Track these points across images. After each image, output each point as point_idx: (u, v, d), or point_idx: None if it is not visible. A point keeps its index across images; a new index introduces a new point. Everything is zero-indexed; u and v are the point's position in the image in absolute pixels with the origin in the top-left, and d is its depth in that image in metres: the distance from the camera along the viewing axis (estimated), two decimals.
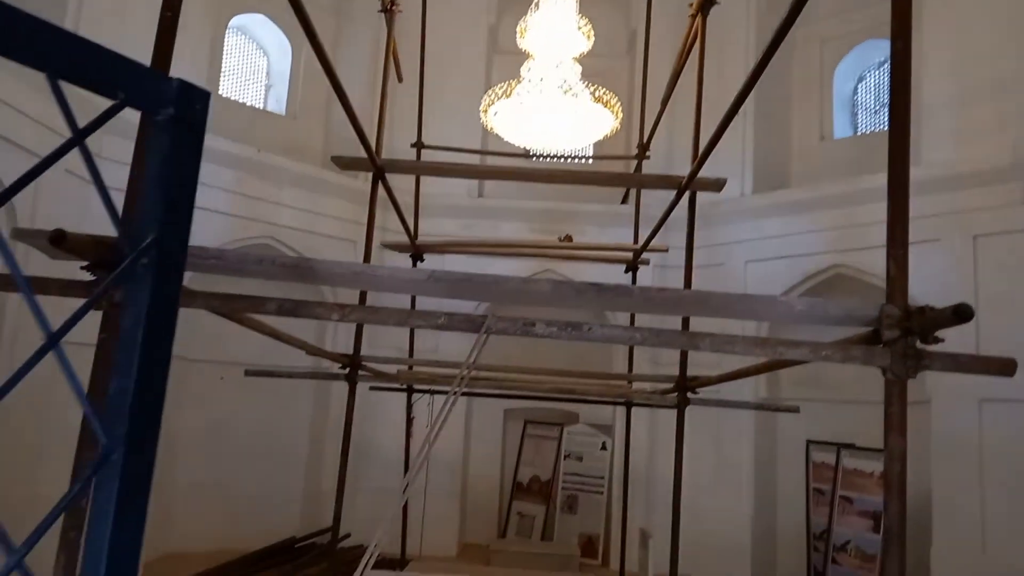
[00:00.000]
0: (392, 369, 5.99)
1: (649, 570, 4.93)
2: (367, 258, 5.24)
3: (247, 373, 5.33)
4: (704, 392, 5.19)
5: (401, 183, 6.88)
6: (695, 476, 7.88)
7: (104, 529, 0.52)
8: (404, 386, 7.91)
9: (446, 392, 8.09)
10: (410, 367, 6.66)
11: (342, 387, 5.30)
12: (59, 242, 1.88)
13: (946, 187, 6.64)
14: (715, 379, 4.32)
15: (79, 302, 0.70)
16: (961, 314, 1.73)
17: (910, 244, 1.95)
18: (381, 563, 6.78)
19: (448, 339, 8.51)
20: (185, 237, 0.61)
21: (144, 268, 0.58)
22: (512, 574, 5.81)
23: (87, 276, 2.03)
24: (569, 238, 7.13)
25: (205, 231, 6.94)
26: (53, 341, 0.50)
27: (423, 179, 7.93)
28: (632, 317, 8.42)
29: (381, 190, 5.19)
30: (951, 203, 6.63)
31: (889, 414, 1.88)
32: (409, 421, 8.93)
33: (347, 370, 5.04)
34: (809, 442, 8.42)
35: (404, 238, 7.18)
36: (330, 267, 2.20)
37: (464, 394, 7.89)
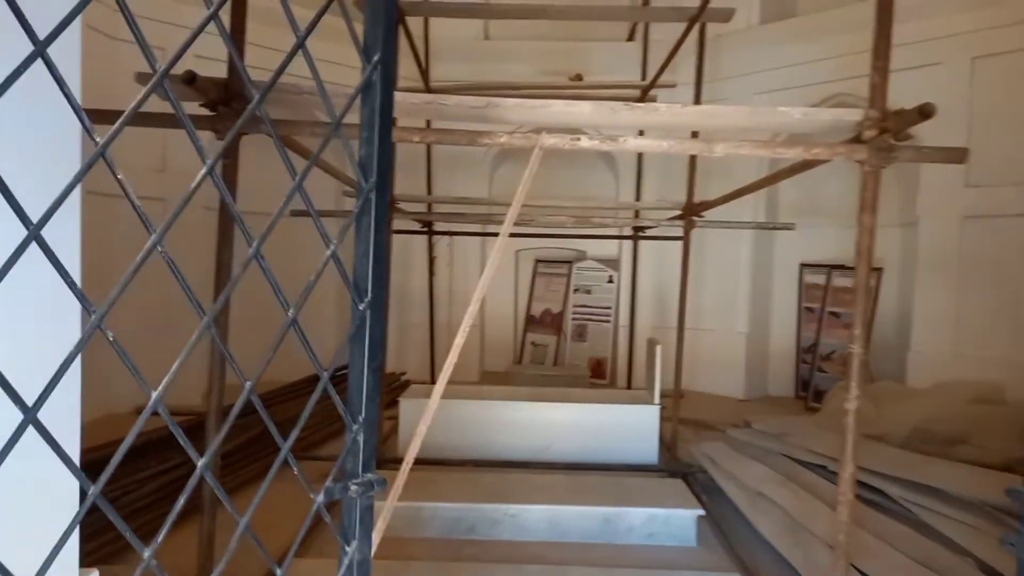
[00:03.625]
0: (422, 207, 6.45)
1: (656, 374, 5.68)
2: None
3: (293, 213, 5.80)
4: (709, 217, 5.70)
5: (411, 28, 6.98)
6: (696, 299, 8.61)
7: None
8: (425, 228, 8.44)
9: (466, 234, 8.60)
10: (429, 206, 7.09)
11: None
12: (191, 82, 2.29)
13: (946, 10, 6.78)
14: (719, 200, 4.80)
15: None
16: (925, 112, 2.16)
17: (915, 68, 2.34)
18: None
19: (460, 185, 8.94)
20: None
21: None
22: (529, 389, 6.62)
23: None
24: (579, 77, 7.34)
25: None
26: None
27: (430, 22, 7.96)
28: (640, 159, 8.79)
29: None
30: (951, 26, 6.79)
31: (864, 197, 2.37)
32: (431, 261, 9.56)
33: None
34: (802, 265, 9.11)
35: (415, 83, 7.39)
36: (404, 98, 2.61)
37: (487, 235, 8.44)
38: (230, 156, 2.48)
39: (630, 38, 8.83)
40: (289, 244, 4.67)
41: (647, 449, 5.65)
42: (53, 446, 0.53)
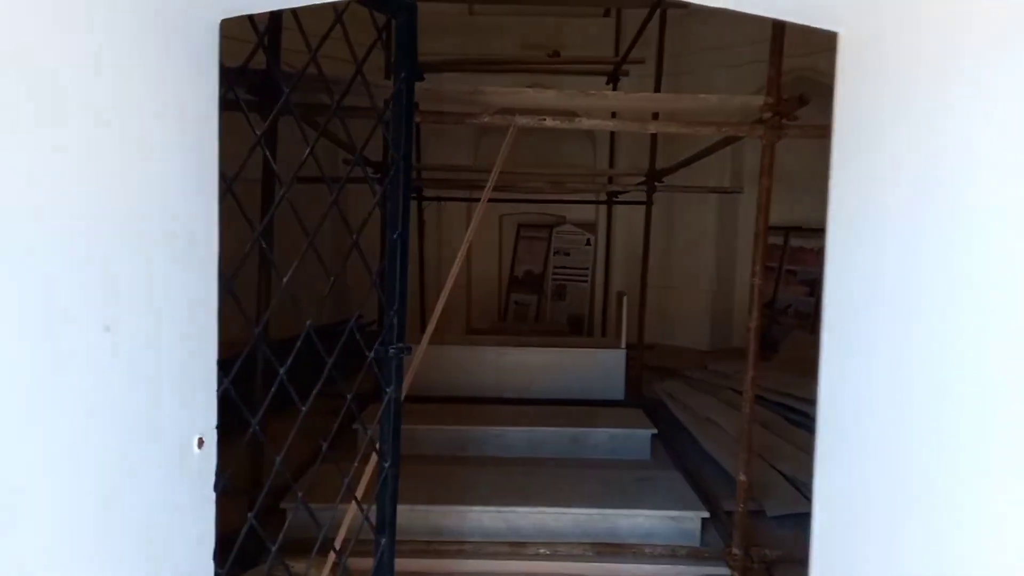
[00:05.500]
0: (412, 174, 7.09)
1: (623, 322, 6.44)
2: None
3: (300, 180, 6.43)
4: (672, 182, 6.43)
5: None
6: (667, 259, 9.40)
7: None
8: (415, 195, 9.08)
9: (453, 199, 9.27)
10: (419, 173, 7.71)
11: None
12: (243, 73, 2.94)
13: None
14: (675, 167, 5.52)
15: None
16: (803, 100, 2.89)
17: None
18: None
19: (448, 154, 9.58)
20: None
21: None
22: (513, 337, 7.40)
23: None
24: (556, 53, 7.95)
25: None
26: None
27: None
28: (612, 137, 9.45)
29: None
30: None
31: (763, 164, 3.11)
32: (421, 224, 10.22)
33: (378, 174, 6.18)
34: None
35: None
36: None
37: (468, 200, 9.10)
38: (271, 134, 3.16)
39: (606, 14, 9.43)
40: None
41: (615, 387, 6.44)
42: None
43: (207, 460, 1.36)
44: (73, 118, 1.10)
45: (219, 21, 1.41)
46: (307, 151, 1.87)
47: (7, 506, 0.99)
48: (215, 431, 1.40)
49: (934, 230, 1.19)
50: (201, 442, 1.33)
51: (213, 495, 1.39)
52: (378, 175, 6.08)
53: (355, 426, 3.92)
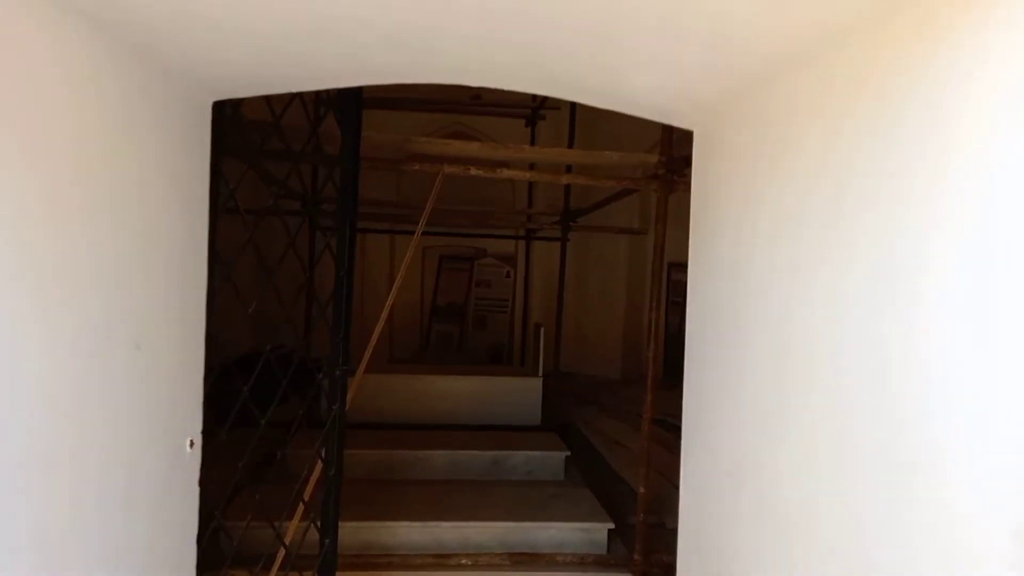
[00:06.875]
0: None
1: (539, 352, 6.88)
2: None
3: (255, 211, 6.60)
4: (585, 223, 6.96)
5: None
6: (582, 293, 9.96)
7: None
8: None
9: (376, 231, 9.53)
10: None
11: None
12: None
13: None
14: (588, 208, 6.05)
15: None
16: (688, 159, 3.40)
17: None
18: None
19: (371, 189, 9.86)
20: None
21: None
22: (435, 366, 7.72)
23: None
24: (478, 96, 8.44)
25: None
26: None
27: None
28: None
29: None
30: None
31: (657, 212, 3.61)
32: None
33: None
34: (669, 264, 10.63)
35: None
36: None
37: (397, 232, 9.41)
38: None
39: None
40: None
41: (532, 413, 6.84)
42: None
43: (195, 458, 1.65)
44: (103, 176, 1.41)
45: (211, 103, 1.75)
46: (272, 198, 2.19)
47: (52, 486, 1.27)
48: (200, 435, 1.69)
49: (747, 271, 1.64)
50: (192, 443, 1.62)
51: (198, 488, 1.68)
52: (303, 208, 6.34)
53: (283, 452, 4.14)
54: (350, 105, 2.36)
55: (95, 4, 1.22)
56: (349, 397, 3.19)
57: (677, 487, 5.17)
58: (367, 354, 3.91)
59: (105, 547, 1.39)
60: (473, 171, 3.56)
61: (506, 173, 3.69)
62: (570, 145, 6.44)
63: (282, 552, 2.66)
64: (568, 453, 5.53)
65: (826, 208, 1.33)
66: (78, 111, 1.32)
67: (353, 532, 3.92)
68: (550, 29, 1.35)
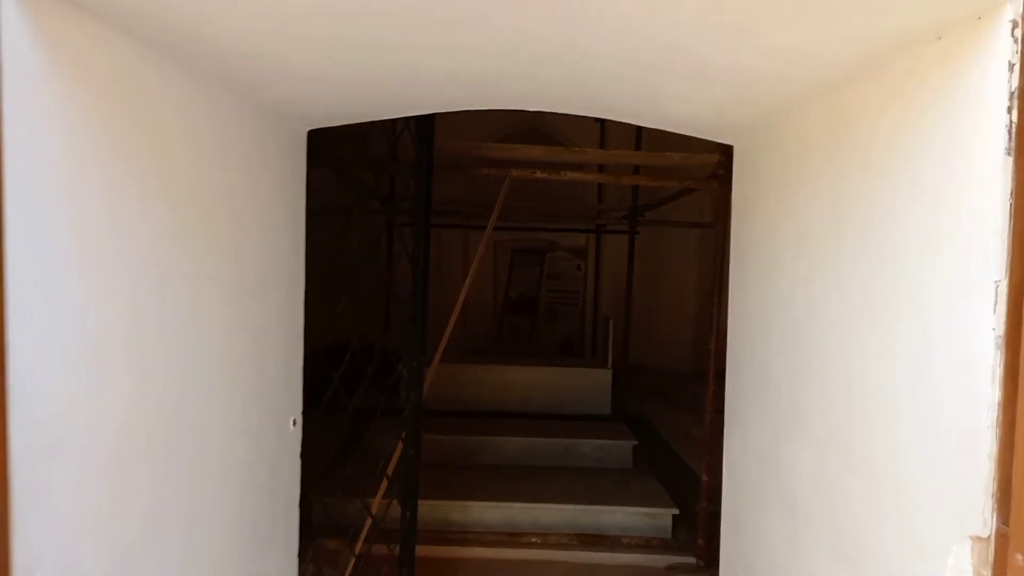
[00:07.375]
0: None
1: (609, 344, 7.05)
2: None
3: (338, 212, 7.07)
4: (655, 216, 7.09)
5: None
6: (653, 286, 10.04)
7: None
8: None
9: (451, 226, 9.88)
10: None
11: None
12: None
13: None
14: (655, 203, 6.17)
15: None
16: None
17: None
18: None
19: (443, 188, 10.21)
20: None
21: None
22: (510, 357, 8.01)
23: None
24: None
25: None
26: None
27: None
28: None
29: None
30: None
31: (718, 210, 3.73)
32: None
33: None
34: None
35: None
36: None
37: (470, 227, 9.75)
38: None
39: None
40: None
41: (602, 403, 7.03)
42: None
43: (297, 434, 1.96)
44: (227, 205, 1.72)
45: (306, 132, 2.04)
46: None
47: (199, 455, 1.59)
48: (300, 415, 2.00)
49: (777, 279, 1.79)
50: (295, 421, 1.93)
51: (299, 461, 1.99)
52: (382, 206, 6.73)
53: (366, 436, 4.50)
54: (424, 120, 2.63)
55: (219, 68, 1.51)
56: (425, 386, 3.50)
57: None
58: (442, 345, 4.21)
59: (230, 508, 1.71)
60: (539, 174, 3.78)
61: (570, 176, 3.90)
62: (637, 143, 6.56)
63: (368, 523, 2.98)
64: (636, 442, 5.70)
65: (831, 226, 1.51)
66: (207, 158, 1.63)
67: (431, 510, 4.24)
68: (599, 62, 1.56)
